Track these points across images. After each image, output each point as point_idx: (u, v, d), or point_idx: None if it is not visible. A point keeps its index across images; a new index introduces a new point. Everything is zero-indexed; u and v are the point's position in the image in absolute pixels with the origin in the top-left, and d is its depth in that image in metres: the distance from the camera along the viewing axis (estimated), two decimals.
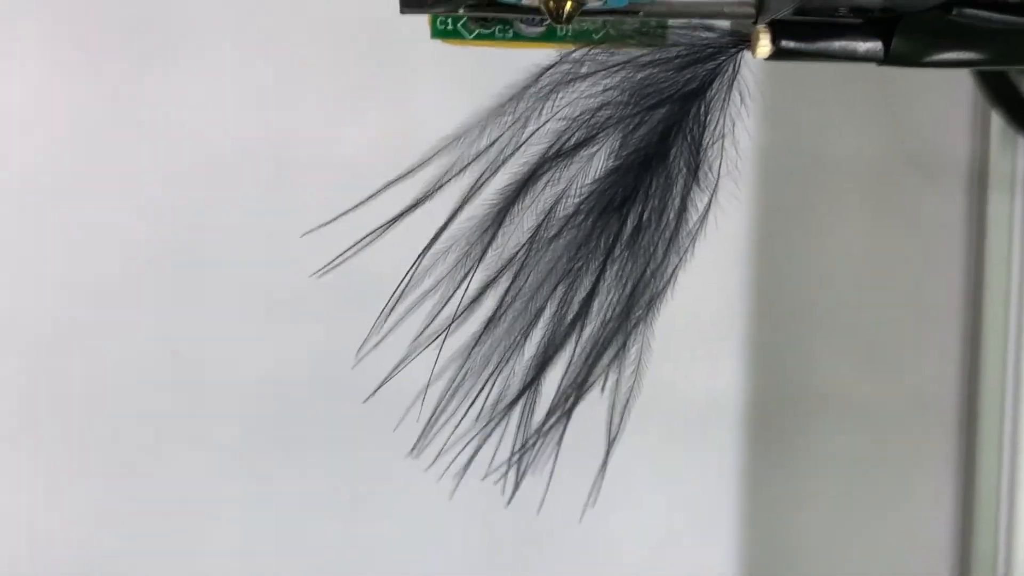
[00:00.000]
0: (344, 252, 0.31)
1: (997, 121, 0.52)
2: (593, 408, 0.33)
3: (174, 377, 0.55)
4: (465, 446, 0.32)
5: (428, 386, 0.31)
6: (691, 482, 0.57)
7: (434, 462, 0.32)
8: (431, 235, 0.31)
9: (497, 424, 0.31)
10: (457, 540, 0.56)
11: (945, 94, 0.55)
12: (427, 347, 0.31)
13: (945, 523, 0.58)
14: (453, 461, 0.32)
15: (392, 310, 0.31)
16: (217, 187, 0.55)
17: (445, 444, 0.32)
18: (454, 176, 0.30)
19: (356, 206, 0.32)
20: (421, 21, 0.35)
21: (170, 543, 0.56)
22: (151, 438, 0.55)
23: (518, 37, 0.34)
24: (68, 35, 0.54)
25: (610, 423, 0.32)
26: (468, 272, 0.30)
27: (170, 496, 0.56)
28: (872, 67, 0.55)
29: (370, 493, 0.56)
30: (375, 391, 0.32)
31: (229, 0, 0.54)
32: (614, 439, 0.32)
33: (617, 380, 0.31)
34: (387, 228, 0.30)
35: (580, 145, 0.30)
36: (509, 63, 0.31)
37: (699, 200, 0.29)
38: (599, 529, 0.56)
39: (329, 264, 0.32)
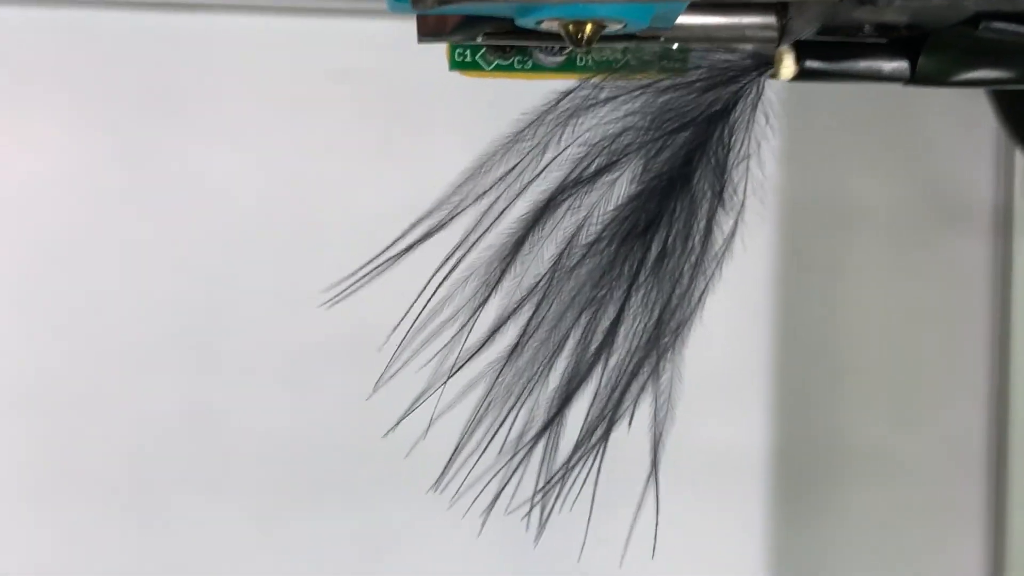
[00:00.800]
0: (355, 282, 0.31)
1: (1022, 165, 0.52)
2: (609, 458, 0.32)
3: (194, 434, 0.55)
4: (489, 482, 0.31)
5: (433, 418, 0.30)
6: (715, 537, 0.56)
7: (455, 498, 0.32)
8: (450, 279, 0.31)
9: (522, 459, 0.30)
10: None
11: (969, 138, 0.54)
12: (446, 381, 0.30)
13: (977, 574, 0.57)
14: (476, 498, 0.31)
15: (407, 344, 0.30)
16: (237, 249, 0.54)
17: (465, 480, 0.31)
18: (470, 205, 0.29)
19: (369, 270, 0.31)
20: (440, 63, 0.35)
21: None
22: (170, 495, 0.55)
23: (537, 68, 0.33)
24: (87, 101, 0.54)
25: (653, 459, 0.31)
26: (484, 301, 0.29)
27: (189, 552, 0.55)
28: (894, 106, 0.55)
29: (393, 544, 0.55)
30: (395, 425, 0.31)
31: (245, 61, 0.54)
32: (654, 470, 0.31)
33: (653, 409, 0.31)
34: (398, 259, 0.30)
35: (601, 171, 0.29)
36: (530, 99, 0.31)
37: (725, 222, 0.29)
38: None
39: (338, 295, 0.31)
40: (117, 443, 0.54)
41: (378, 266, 0.31)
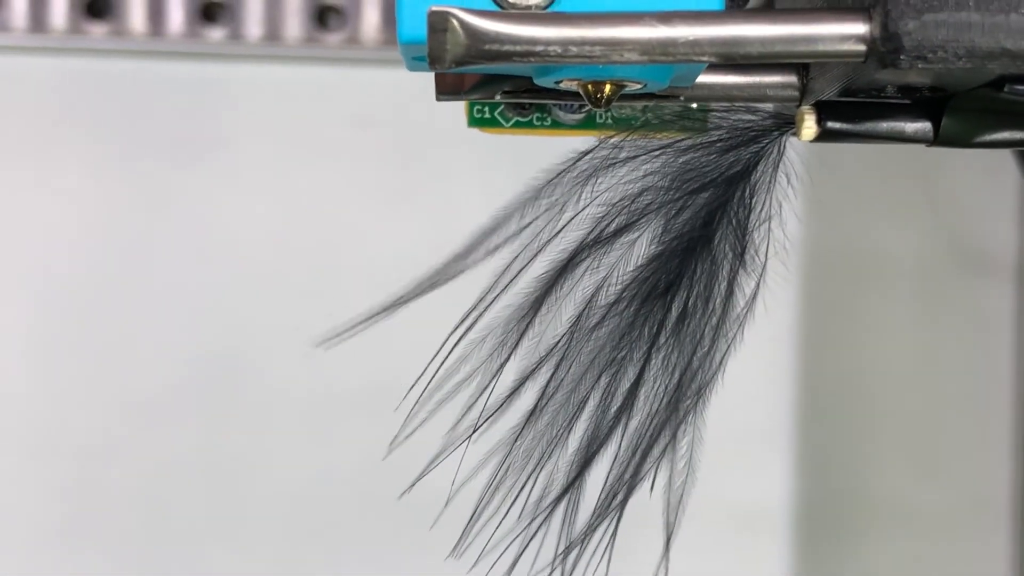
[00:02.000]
0: (360, 324, 0.31)
1: None
2: (635, 514, 0.32)
3: (211, 484, 0.54)
4: (508, 546, 0.30)
5: (456, 482, 0.30)
6: None
7: (476, 563, 0.31)
8: (467, 334, 0.30)
9: (542, 523, 0.30)
10: None
11: (991, 191, 0.54)
12: (464, 441, 0.30)
13: None
14: (496, 562, 0.31)
15: (423, 403, 0.30)
16: (256, 296, 0.54)
17: (487, 545, 0.31)
18: (485, 259, 0.29)
19: (383, 311, 0.31)
20: (458, 112, 0.35)
21: None
22: (186, 544, 0.55)
23: (556, 125, 0.33)
24: (110, 148, 0.54)
25: (666, 519, 0.30)
26: (504, 363, 0.29)
27: None
28: (916, 159, 0.54)
29: None
30: (411, 486, 0.31)
31: (266, 110, 0.54)
32: (671, 536, 0.31)
33: (669, 475, 0.30)
34: (408, 302, 0.30)
35: (620, 231, 0.29)
36: (548, 153, 0.31)
37: (746, 285, 0.29)
38: None
39: (338, 336, 0.31)
40: (135, 492, 0.54)
41: (375, 315, 0.30)
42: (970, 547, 0.55)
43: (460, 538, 0.31)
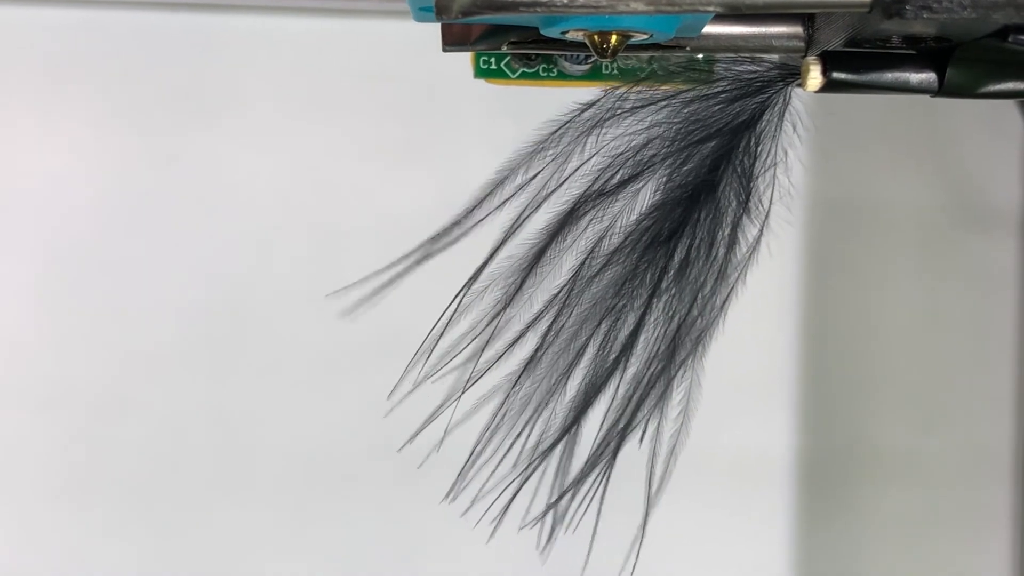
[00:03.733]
0: (372, 293, 0.31)
1: None
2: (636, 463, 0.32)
3: (217, 436, 0.55)
4: (503, 491, 0.31)
5: (448, 429, 0.30)
6: (739, 543, 0.56)
7: (467, 510, 0.32)
8: (472, 283, 0.30)
9: (536, 468, 0.30)
10: None
11: (994, 142, 0.54)
12: (462, 394, 0.30)
13: None
14: (490, 506, 0.31)
15: (429, 353, 0.30)
16: (261, 250, 0.54)
17: (482, 488, 0.31)
18: (492, 213, 0.29)
19: (388, 278, 0.31)
20: (464, 63, 0.35)
21: None
22: (192, 497, 0.55)
23: (563, 76, 0.33)
24: (114, 101, 0.54)
25: (649, 472, 0.31)
26: (504, 309, 0.29)
27: (211, 553, 0.55)
28: (921, 112, 0.54)
29: (418, 546, 0.55)
30: (412, 438, 0.31)
31: (272, 62, 0.54)
32: (659, 487, 0.31)
33: (659, 425, 0.31)
34: (417, 264, 0.30)
35: (625, 182, 0.29)
36: (554, 106, 0.31)
37: (749, 230, 0.29)
38: None
39: (357, 304, 0.31)
40: (140, 445, 0.55)
41: (396, 275, 0.31)
42: (971, 497, 0.56)
43: (452, 486, 0.31)
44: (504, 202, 0.29)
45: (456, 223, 0.30)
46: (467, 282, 0.30)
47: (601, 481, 0.31)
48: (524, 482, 0.31)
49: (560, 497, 0.31)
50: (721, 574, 0.56)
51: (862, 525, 0.56)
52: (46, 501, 0.55)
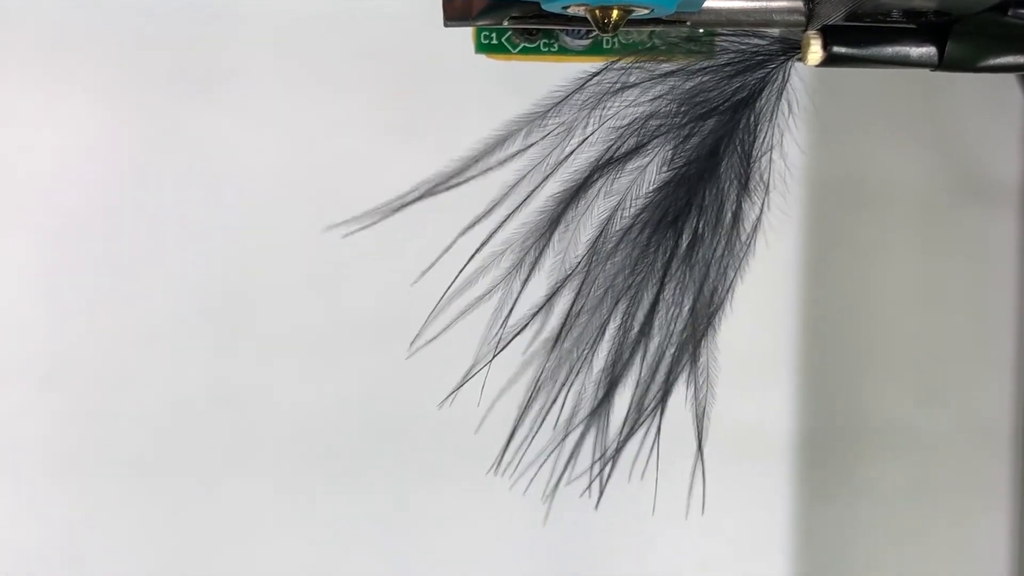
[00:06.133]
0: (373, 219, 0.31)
1: None
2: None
3: (219, 411, 0.55)
4: (543, 463, 0.31)
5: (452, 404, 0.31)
6: (739, 515, 0.56)
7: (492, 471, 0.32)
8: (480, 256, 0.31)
9: (574, 438, 0.31)
10: (502, 569, 0.56)
11: (995, 117, 0.54)
12: (493, 359, 0.30)
13: (1003, 553, 0.57)
14: (532, 478, 0.32)
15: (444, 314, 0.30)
16: (263, 225, 0.54)
17: (518, 459, 0.31)
18: (490, 169, 0.29)
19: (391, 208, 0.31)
20: (465, 38, 0.35)
21: (215, 571, 0.55)
22: (195, 471, 0.55)
23: (564, 51, 0.33)
24: (115, 77, 0.54)
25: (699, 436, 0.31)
26: (527, 279, 0.29)
27: (214, 527, 0.55)
28: (920, 87, 0.54)
29: (420, 520, 0.56)
30: (451, 394, 0.31)
31: (273, 39, 0.54)
32: (701, 444, 0.32)
33: (691, 392, 0.31)
34: (415, 200, 0.30)
35: (630, 154, 0.29)
36: (555, 82, 0.31)
37: (751, 210, 0.29)
38: (644, 561, 0.55)
39: (358, 228, 0.31)
40: (143, 420, 0.55)
41: (398, 207, 0.31)
42: (970, 471, 0.56)
43: (500, 455, 0.31)
44: (502, 162, 0.30)
45: (461, 170, 0.30)
46: (472, 254, 0.30)
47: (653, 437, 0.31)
48: (559, 450, 0.31)
49: (603, 459, 0.31)
50: (722, 548, 0.56)
51: (861, 499, 0.57)
52: (48, 477, 0.55)
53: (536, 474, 0.32)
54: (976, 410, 0.56)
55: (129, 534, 0.55)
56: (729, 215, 0.29)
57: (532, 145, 0.29)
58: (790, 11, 0.29)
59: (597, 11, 0.27)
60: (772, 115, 0.29)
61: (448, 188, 0.30)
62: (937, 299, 0.56)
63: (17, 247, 0.54)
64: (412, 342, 0.31)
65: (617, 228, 0.29)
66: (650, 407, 0.30)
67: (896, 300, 0.55)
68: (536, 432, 0.31)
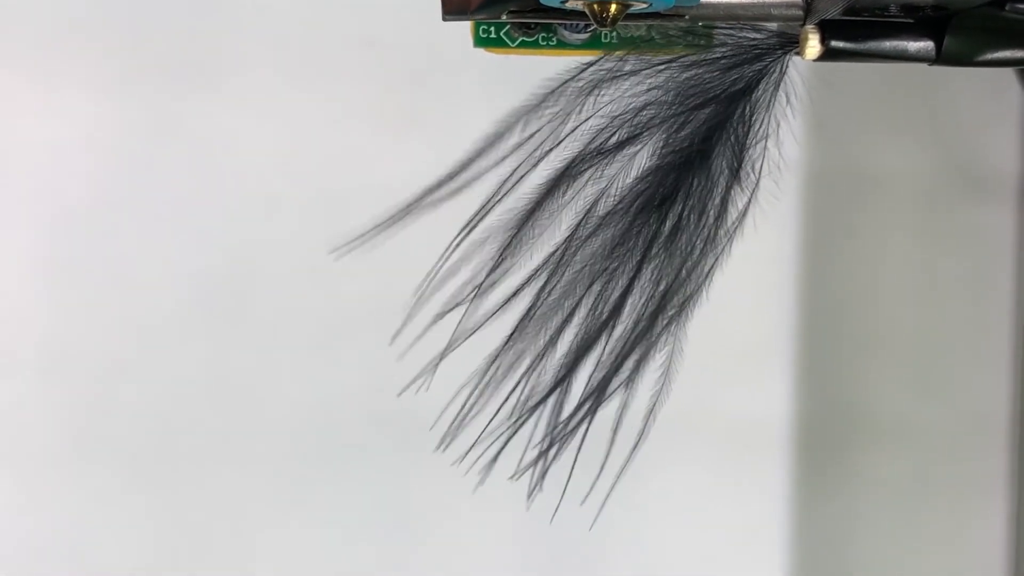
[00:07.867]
0: (370, 233, 0.31)
1: None
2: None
3: (219, 402, 0.55)
4: (490, 444, 0.31)
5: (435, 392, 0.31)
6: (736, 507, 0.57)
7: (458, 461, 0.32)
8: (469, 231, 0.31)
9: (525, 421, 0.31)
10: (499, 561, 0.56)
11: (993, 108, 0.54)
12: (470, 336, 0.30)
13: (1000, 546, 0.57)
14: (478, 458, 0.32)
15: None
16: (261, 216, 0.55)
17: (482, 447, 0.31)
18: (490, 168, 0.29)
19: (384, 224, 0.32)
20: (464, 32, 0.35)
21: (214, 562, 0.55)
22: (195, 462, 0.55)
23: (562, 45, 0.33)
24: (113, 67, 0.54)
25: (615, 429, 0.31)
26: (500, 263, 0.29)
27: (213, 519, 0.55)
28: (918, 79, 0.54)
29: (420, 511, 0.56)
30: (408, 386, 0.31)
31: (272, 29, 0.54)
32: (637, 444, 0.32)
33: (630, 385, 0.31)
34: (411, 210, 0.30)
35: (623, 144, 0.29)
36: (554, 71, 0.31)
37: (739, 201, 0.29)
38: (642, 554, 0.56)
39: (350, 244, 0.32)
40: (142, 411, 0.55)
41: (391, 218, 0.31)
42: (968, 463, 0.56)
43: (445, 434, 0.31)
44: (501, 160, 0.30)
45: (451, 177, 0.30)
46: (464, 236, 0.30)
47: (582, 436, 0.31)
48: (514, 433, 0.31)
49: (549, 446, 0.31)
50: (717, 539, 0.56)
51: (858, 492, 0.57)
52: (48, 467, 0.55)
53: (532, 468, 0.32)
54: (974, 403, 0.56)
55: (128, 524, 0.55)
56: (717, 200, 0.29)
57: (531, 136, 0.30)
58: (788, 6, 0.29)
59: (595, 5, 0.27)
60: (769, 105, 0.29)
61: (450, 195, 0.30)
62: (935, 293, 0.56)
63: (16, 239, 0.54)
64: (393, 337, 0.32)
65: (600, 212, 0.29)
66: (591, 404, 0.30)
67: (894, 294, 0.56)
68: (522, 419, 0.31)
